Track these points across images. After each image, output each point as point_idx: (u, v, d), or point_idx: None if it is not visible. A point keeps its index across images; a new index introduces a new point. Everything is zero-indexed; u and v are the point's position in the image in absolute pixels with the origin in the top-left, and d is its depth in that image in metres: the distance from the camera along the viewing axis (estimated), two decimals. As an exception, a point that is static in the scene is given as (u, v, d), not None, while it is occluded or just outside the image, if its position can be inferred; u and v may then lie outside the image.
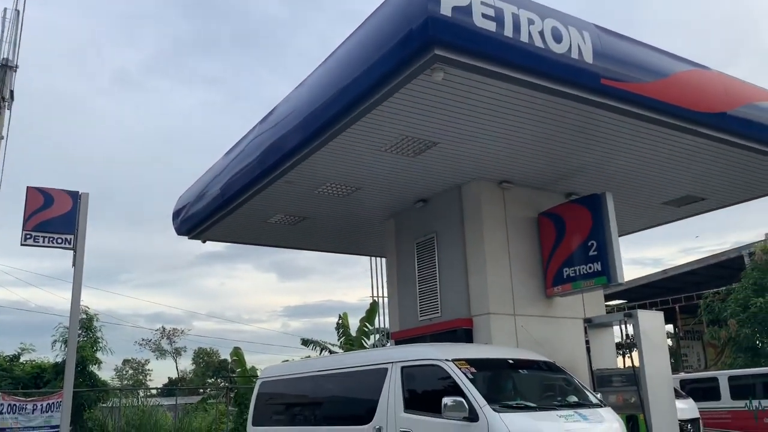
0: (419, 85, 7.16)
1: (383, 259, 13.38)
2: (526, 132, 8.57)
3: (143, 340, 52.06)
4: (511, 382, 7.07)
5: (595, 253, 9.42)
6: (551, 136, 8.74)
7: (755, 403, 13.96)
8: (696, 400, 15.14)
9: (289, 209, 11.32)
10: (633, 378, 8.67)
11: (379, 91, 7.19)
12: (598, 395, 7.15)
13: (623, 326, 9.19)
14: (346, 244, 14.11)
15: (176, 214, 12.32)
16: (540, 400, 6.80)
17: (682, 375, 16.89)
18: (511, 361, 7.25)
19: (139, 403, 21.84)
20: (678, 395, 13.29)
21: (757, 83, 9.33)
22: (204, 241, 12.70)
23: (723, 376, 15.11)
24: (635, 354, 8.83)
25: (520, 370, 7.24)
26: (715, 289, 18.47)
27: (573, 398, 6.81)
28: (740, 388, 14.48)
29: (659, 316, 9.35)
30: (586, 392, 7.04)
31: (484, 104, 7.72)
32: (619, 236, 13.35)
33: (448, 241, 10.62)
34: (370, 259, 15.36)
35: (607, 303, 25.42)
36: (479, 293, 9.97)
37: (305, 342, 22.23)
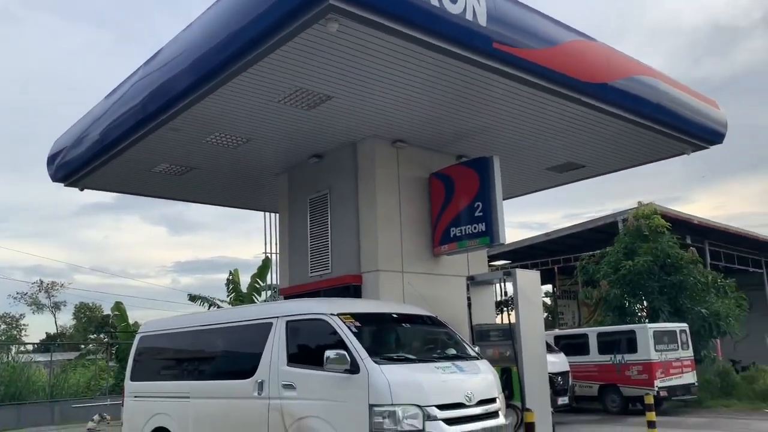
0: (314, 36, 6.96)
1: (277, 215, 13.21)
2: (419, 92, 8.62)
3: (18, 293, 48.86)
4: (394, 336, 7.22)
5: (481, 214, 9.73)
6: (443, 98, 8.85)
7: (618, 357, 15.21)
8: (568, 354, 16.25)
9: (175, 158, 10.83)
10: (509, 333, 9.13)
11: (272, 38, 6.94)
12: (476, 348, 7.39)
13: (503, 284, 9.59)
14: (238, 197, 13.76)
15: (51, 159, 11.47)
16: (420, 353, 6.98)
17: (556, 331, 18.07)
18: (395, 316, 7.37)
19: (10, 359, 20.56)
20: (551, 350, 14.20)
21: (641, 59, 9.88)
22: (82, 189, 11.93)
23: (592, 332, 16.31)
24: (513, 312, 9.27)
25: (404, 325, 7.38)
26: (590, 253, 19.73)
27: (452, 351, 7.01)
28: (606, 344, 15.66)
29: (536, 275, 9.85)
30: (465, 346, 7.27)
31: (379, 61, 7.66)
32: (506, 199, 13.92)
33: (341, 198, 10.60)
34: (264, 215, 15.13)
35: (494, 263, 26.60)
36: (370, 250, 10.07)
37: (192, 298, 21.67)
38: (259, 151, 10.72)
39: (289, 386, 6.60)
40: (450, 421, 5.84)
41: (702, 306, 17.03)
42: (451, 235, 10.23)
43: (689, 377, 15.27)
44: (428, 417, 5.73)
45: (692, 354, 15.60)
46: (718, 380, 16.51)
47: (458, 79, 8.24)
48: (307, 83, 8.17)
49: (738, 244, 24.74)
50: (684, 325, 15.83)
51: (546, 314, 30.60)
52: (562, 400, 13.27)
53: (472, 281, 9.88)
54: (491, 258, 25.93)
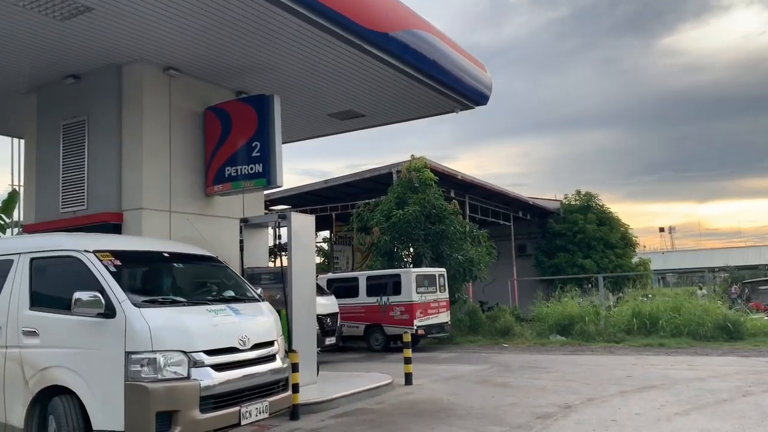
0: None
1: (24, 141, 11.48)
2: (191, 16, 7.89)
3: None
4: (163, 277, 6.63)
5: (258, 154, 9.40)
6: (219, 26, 8.23)
7: (384, 299, 16.18)
8: (339, 297, 16.86)
9: None
10: (281, 276, 9.08)
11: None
12: (259, 291, 6.97)
13: (277, 228, 9.47)
14: (-25, 118, 11.68)
15: None
16: (193, 296, 6.44)
17: (329, 275, 18.63)
18: (166, 255, 6.72)
19: None
20: (322, 293, 14.59)
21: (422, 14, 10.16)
22: None
23: (362, 276, 17.12)
24: (286, 256, 9.21)
25: (176, 265, 6.77)
26: (366, 201, 20.55)
27: (230, 293, 6.61)
28: (374, 287, 16.56)
29: (310, 219, 9.89)
30: (246, 288, 6.87)
31: (149, -28, 6.82)
32: (288, 143, 13.73)
33: (102, 127, 9.49)
34: (11, 141, 13.15)
35: (274, 208, 26.50)
36: (133, 187, 9.21)
37: None
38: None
39: (31, 333, 5.79)
40: (220, 367, 5.50)
41: (459, 253, 18.72)
42: (226, 175, 9.76)
43: (444, 317, 16.81)
44: (195, 363, 5.34)
45: (448, 296, 17.17)
46: (468, 319, 18.46)
47: (235, 7, 7.70)
48: (59, -13, 7.02)
49: (492, 199, 27.59)
50: (442, 270, 17.30)
51: (323, 259, 31.51)
52: (330, 340, 13.76)
53: (246, 224, 9.60)
54: (271, 203, 25.76)
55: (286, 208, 25.74)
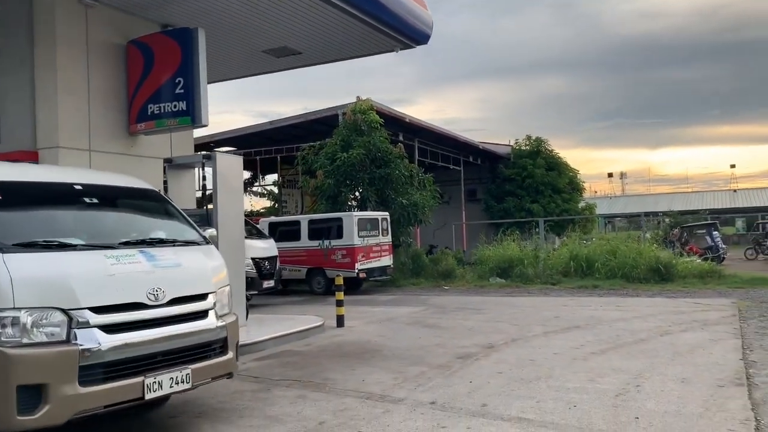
0: None
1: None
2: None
3: None
4: (69, 215, 5.30)
5: (182, 91, 9.01)
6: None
7: (326, 242, 16.09)
8: (282, 240, 16.71)
9: None
10: (206, 218, 8.83)
11: None
12: (210, 231, 5.88)
13: (203, 169, 9.16)
14: None
15: None
16: (100, 237, 5.05)
17: (271, 219, 18.39)
18: (78, 187, 5.37)
19: None
20: (261, 236, 14.41)
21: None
22: None
23: (304, 220, 16.92)
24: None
25: (91, 199, 5.42)
26: (311, 143, 20.17)
27: (160, 234, 5.42)
28: (316, 231, 16.45)
29: (237, 160, 9.58)
30: (186, 227, 5.63)
31: None
32: (222, 81, 13.22)
33: (12, 60, 8.91)
34: None
35: (219, 150, 25.85)
36: (48, 124, 8.74)
37: None
38: None
39: None
40: (114, 328, 4.34)
41: (404, 197, 18.67)
42: (149, 113, 9.35)
43: (387, 260, 16.88)
44: (78, 324, 4.20)
45: (391, 239, 17.20)
46: (411, 262, 18.58)
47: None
48: None
49: (442, 143, 27.49)
50: (385, 214, 17.26)
51: (273, 203, 31.15)
52: (268, 284, 13.65)
53: (170, 164, 9.23)
54: (216, 144, 25.09)
55: (231, 150, 25.13)
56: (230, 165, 9.14)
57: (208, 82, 9.43)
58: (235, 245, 9.16)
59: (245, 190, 29.24)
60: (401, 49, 12.20)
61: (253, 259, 13.30)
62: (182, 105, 9.03)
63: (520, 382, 6.22)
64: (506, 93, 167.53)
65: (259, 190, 32.23)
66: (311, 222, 16.65)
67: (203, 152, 24.32)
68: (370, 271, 16.20)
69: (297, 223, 16.87)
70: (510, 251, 17.62)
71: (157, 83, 9.24)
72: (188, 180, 9.60)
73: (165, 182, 9.20)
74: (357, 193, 18.95)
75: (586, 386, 5.97)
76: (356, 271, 15.61)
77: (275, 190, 30.08)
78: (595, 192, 71.54)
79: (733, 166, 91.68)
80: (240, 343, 7.47)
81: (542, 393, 5.76)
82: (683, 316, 10.13)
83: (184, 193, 9.38)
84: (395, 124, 21.92)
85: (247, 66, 12.86)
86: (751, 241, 31.60)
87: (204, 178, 9.28)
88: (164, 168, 9.19)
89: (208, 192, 10.18)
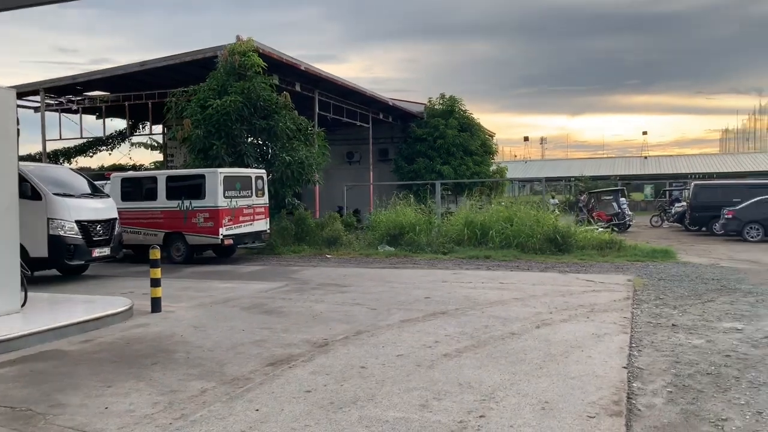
0: None
1: None
2: None
3: None
4: None
5: None
6: None
7: (186, 203, 13.82)
8: (138, 200, 14.33)
9: None
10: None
11: None
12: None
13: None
14: None
15: None
16: None
17: (125, 174, 15.79)
18: None
19: None
20: (97, 194, 12.02)
21: None
22: None
23: (161, 176, 14.40)
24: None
25: None
26: (183, 89, 17.59)
27: None
28: (175, 189, 14.11)
29: (8, 94, 7.22)
30: None
31: None
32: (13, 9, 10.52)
33: None
34: None
35: (88, 94, 22.68)
36: None
37: None
38: None
39: None
40: None
41: (288, 154, 16.54)
42: None
43: (261, 225, 14.79)
44: None
45: (267, 201, 15.08)
46: (294, 227, 16.55)
47: None
48: None
49: (349, 97, 25.31)
50: (261, 171, 15.10)
51: (166, 157, 28.17)
52: (101, 252, 11.36)
53: None
54: (83, 87, 21.93)
55: (102, 95, 22.07)
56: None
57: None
58: (4, 205, 6.90)
59: (122, 140, 26.23)
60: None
61: (79, 222, 10.97)
62: None
63: (326, 409, 4.42)
64: (435, 55, 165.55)
65: (148, 141, 29.10)
66: (170, 179, 14.26)
67: (105, 101, 21.25)
68: (239, 237, 14.09)
69: (153, 179, 14.40)
70: (403, 217, 15.90)
71: None
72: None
73: None
74: (234, 148, 16.58)
75: (411, 416, 4.25)
76: (220, 237, 13.48)
77: (160, 140, 27.08)
78: (515, 156, 71.62)
79: (645, 133, 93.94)
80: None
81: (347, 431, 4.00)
82: (571, 299, 8.67)
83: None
84: (289, 71, 19.58)
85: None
86: (656, 208, 31.51)
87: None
88: None
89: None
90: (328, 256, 14.92)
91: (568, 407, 4.41)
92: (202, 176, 13.76)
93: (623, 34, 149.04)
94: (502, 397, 4.65)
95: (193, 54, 18.48)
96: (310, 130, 17.94)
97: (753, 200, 18.65)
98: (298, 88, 20.58)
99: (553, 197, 32.01)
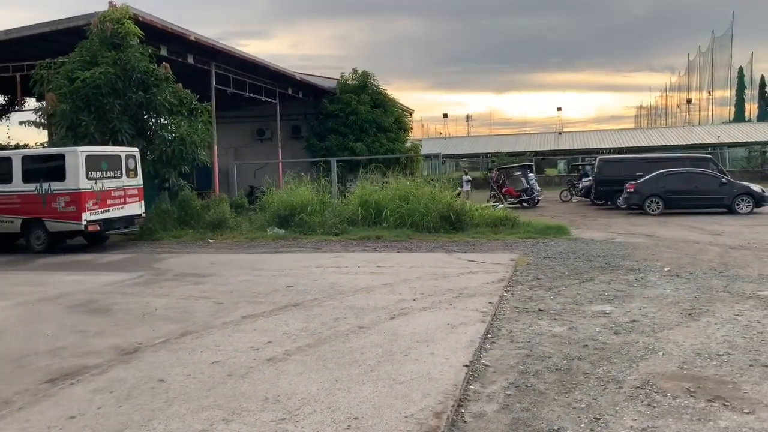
0: None
1: None
2: None
3: None
4: None
5: None
6: None
7: (45, 186, 12.39)
8: (-6, 183, 12.78)
9: None
10: None
11: None
12: None
13: None
14: None
15: None
16: None
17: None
18: None
19: None
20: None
21: None
22: None
23: (16, 156, 12.82)
24: None
25: None
26: (51, 60, 15.91)
27: None
28: (33, 171, 12.59)
29: None
30: None
31: None
32: None
33: None
34: None
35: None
36: None
37: None
38: None
39: None
40: None
41: (167, 131, 15.23)
42: None
43: (134, 208, 13.49)
44: None
45: (141, 182, 13.77)
46: (176, 210, 15.30)
47: None
48: None
49: (253, 71, 23.93)
50: (133, 150, 13.74)
51: (51, 137, 25.92)
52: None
53: None
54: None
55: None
56: None
57: None
58: None
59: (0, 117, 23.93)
60: None
61: None
62: None
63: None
64: (363, 32, 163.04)
65: (37, 120, 26.74)
66: (26, 159, 12.74)
67: None
68: (108, 223, 12.77)
69: (8, 160, 12.83)
70: (295, 197, 14.95)
71: None
72: None
73: None
74: (106, 124, 15.05)
75: (179, 450, 3.39)
76: (84, 222, 12.14)
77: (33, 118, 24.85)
78: (440, 134, 71.61)
79: (559, 109, 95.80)
80: None
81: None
82: (443, 282, 8.03)
83: None
84: (180, 42, 18.09)
85: None
86: (566, 183, 31.78)
87: None
88: None
89: None
90: (211, 240, 13.83)
91: (379, 424, 3.67)
92: (62, 156, 12.32)
93: (545, 12, 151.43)
94: (308, 413, 3.87)
95: (65, 22, 16.66)
96: (195, 104, 16.57)
97: (653, 174, 18.75)
98: (190, 60, 19.11)
99: (466, 173, 31.72)
